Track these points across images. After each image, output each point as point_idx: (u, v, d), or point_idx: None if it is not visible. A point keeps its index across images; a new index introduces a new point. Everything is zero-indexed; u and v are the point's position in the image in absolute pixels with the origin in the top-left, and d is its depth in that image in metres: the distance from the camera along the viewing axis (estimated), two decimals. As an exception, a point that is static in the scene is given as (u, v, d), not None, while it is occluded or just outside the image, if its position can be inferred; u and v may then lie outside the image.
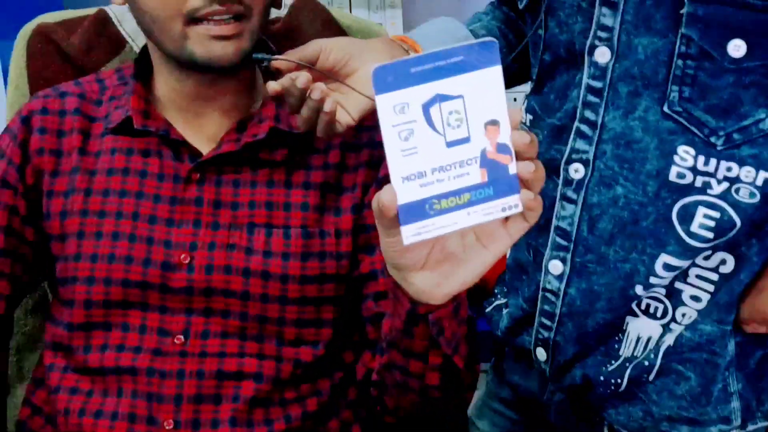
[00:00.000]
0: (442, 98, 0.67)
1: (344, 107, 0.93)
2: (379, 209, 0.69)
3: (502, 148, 0.68)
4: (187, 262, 1.01)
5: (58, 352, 1.06)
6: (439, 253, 0.74)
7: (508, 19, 1.15)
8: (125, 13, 1.26)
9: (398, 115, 0.67)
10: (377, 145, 1.06)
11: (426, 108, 0.67)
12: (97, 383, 1.02)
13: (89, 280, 1.02)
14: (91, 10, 1.28)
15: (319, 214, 1.04)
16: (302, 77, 0.91)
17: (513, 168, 0.69)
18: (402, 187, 0.68)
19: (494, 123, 0.68)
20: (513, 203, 0.69)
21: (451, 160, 0.68)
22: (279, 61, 0.95)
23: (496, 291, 1.16)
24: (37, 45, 1.24)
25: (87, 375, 1.03)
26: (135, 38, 1.25)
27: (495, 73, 0.67)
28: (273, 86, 0.93)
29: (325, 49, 0.95)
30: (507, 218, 0.71)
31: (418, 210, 0.68)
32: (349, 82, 0.94)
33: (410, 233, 0.69)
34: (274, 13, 1.21)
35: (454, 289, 0.76)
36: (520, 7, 1.03)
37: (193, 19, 0.94)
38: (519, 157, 0.69)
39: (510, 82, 1.14)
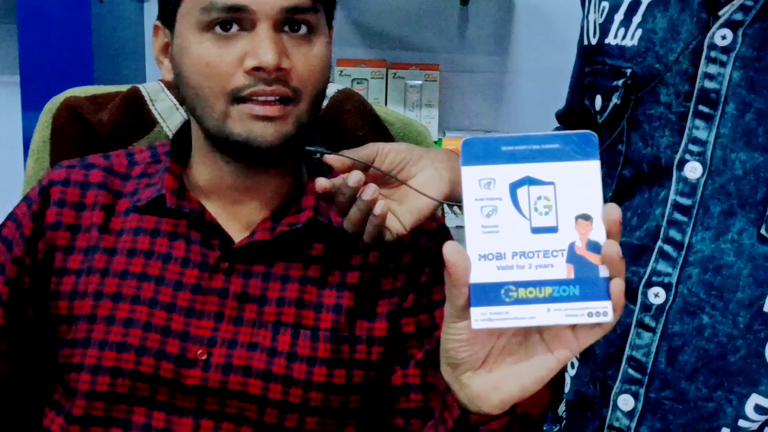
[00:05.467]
0: (532, 182, 0.64)
1: (396, 215, 0.88)
2: (447, 273, 0.64)
3: (593, 246, 0.63)
4: (203, 358, 0.94)
5: None
6: (498, 352, 0.68)
7: None
8: (159, 92, 1.22)
9: (483, 189, 0.64)
10: (420, 250, 1.00)
11: (513, 188, 0.64)
12: None
13: (95, 369, 0.94)
14: (123, 87, 1.24)
15: (351, 318, 0.97)
16: (354, 176, 0.85)
17: (604, 270, 0.63)
18: (477, 265, 0.63)
19: (587, 218, 0.63)
20: (602, 309, 0.63)
21: (535, 248, 0.64)
22: (333, 158, 0.89)
23: (545, 429, 1.06)
24: (63, 118, 1.19)
25: None
26: (167, 119, 1.20)
27: (592, 166, 0.64)
28: (322, 183, 0.87)
29: (382, 151, 0.89)
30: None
31: (493, 293, 0.64)
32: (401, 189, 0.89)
33: (481, 317, 0.64)
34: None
35: (513, 394, 0.69)
36: (600, 120, 0.98)
37: (237, 99, 0.90)
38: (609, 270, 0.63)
39: None
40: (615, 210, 0.63)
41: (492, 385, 0.69)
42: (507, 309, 0.64)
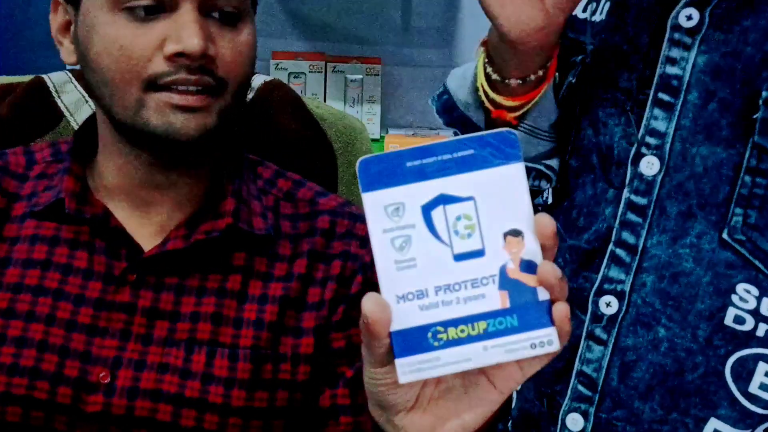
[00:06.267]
0: (448, 200, 0.55)
1: None
2: (365, 328, 0.55)
3: (527, 266, 0.55)
4: (106, 381, 0.86)
5: None
6: (434, 389, 0.60)
7: None
8: (66, 83, 1.13)
9: (391, 218, 0.55)
10: (351, 257, 0.93)
11: (427, 211, 0.55)
12: None
13: None
14: (26, 78, 1.14)
15: (275, 334, 0.89)
16: None
17: (543, 292, 0.55)
18: (397, 309, 0.55)
19: (516, 234, 0.55)
20: (546, 338, 0.55)
21: (461, 278, 0.55)
22: None
23: None
24: (-44, 112, 1.09)
25: None
26: (74, 112, 1.11)
27: (515, 171, 0.55)
28: None
29: None
30: None
31: (419, 339, 0.55)
32: None
33: (407, 369, 0.55)
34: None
35: None
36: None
37: (153, 86, 0.82)
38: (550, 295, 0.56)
39: None
40: (548, 222, 0.55)
41: (429, 427, 0.61)
42: (437, 355, 0.55)
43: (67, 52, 0.91)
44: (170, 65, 0.81)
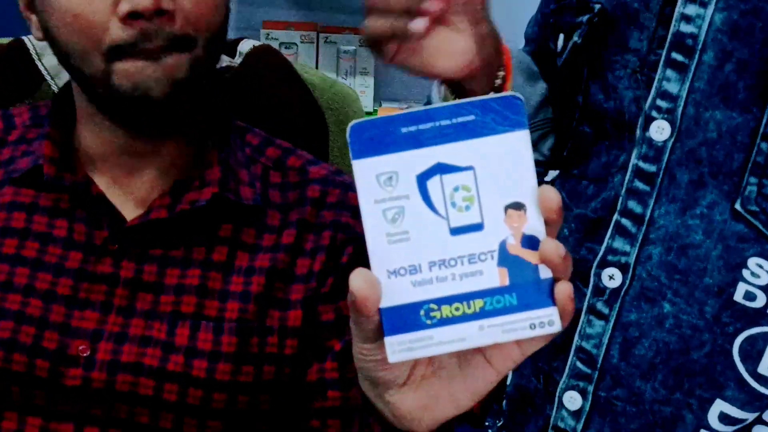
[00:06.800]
0: (445, 169, 0.52)
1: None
2: (353, 305, 0.52)
3: (528, 242, 0.52)
4: (86, 354, 0.83)
5: None
6: (427, 366, 0.57)
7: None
8: (48, 45, 1.06)
9: (383, 187, 0.52)
10: (342, 228, 0.90)
11: (422, 180, 0.52)
12: None
13: None
14: (5, 40, 1.10)
15: (261, 307, 0.87)
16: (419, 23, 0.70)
17: (545, 270, 0.52)
18: (387, 284, 0.52)
19: (518, 207, 0.52)
20: (546, 318, 0.52)
21: (457, 253, 0.52)
22: None
23: (487, 425, 0.97)
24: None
25: None
26: (55, 76, 1.07)
27: (519, 139, 0.52)
28: None
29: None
30: None
31: (410, 317, 0.52)
32: None
33: (398, 348, 0.52)
34: (226, 61, 1.08)
35: (447, 413, 0.58)
36: (559, 63, 0.88)
37: (117, 56, 0.79)
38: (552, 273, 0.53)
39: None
40: (553, 195, 0.52)
41: (421, 404, 0.58)
42: (430, 333, 0.53)
43: (35, 27, 0.87)
44: (127, 30, 0.78)
